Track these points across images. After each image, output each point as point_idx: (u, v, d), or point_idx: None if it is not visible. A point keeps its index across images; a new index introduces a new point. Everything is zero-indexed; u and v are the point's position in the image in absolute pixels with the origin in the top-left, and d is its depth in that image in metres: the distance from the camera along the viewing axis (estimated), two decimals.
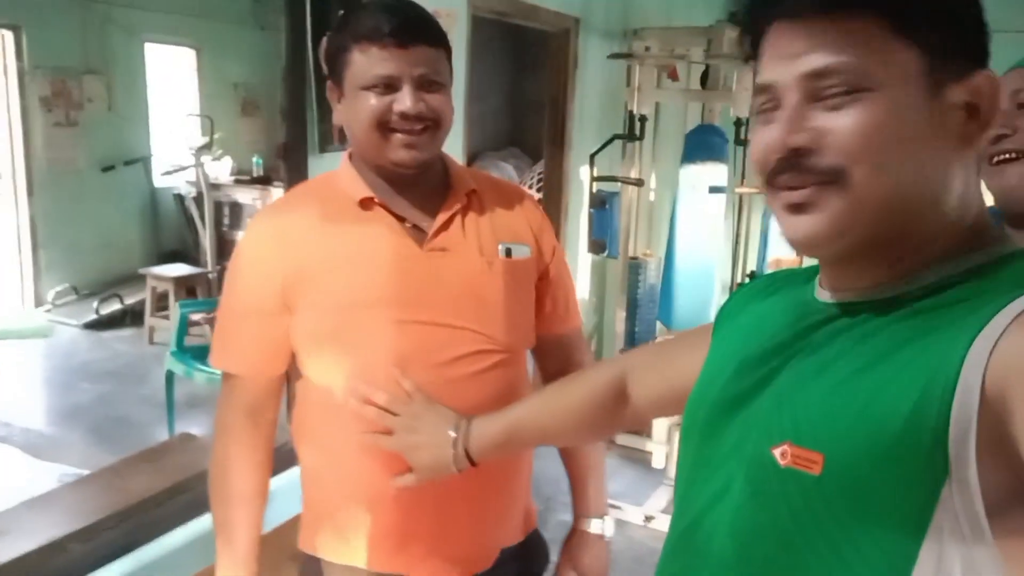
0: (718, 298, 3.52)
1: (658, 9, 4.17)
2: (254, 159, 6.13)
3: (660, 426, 3.60)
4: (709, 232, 3.40)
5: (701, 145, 3.39)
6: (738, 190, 3.35)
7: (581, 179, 3.99)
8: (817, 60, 0.66)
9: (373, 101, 1.18)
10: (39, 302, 5.48)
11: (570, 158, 3.99)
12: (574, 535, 1.46)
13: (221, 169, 6.18)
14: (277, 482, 2.05)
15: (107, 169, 5.80)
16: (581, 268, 4.32)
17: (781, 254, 3.25)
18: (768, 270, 3.35)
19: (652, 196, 4.28)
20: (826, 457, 0.65)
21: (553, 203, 4.08)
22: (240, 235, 4.75)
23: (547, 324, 1.41)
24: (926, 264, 0.69)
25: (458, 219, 1.28)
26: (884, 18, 0.65)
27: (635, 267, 4.04)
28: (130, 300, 5.43)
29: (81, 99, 5.56)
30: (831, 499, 0.64)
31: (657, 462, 3.68)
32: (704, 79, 3.69)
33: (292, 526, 1.96)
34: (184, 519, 1.94)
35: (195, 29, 6.24)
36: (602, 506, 1.48)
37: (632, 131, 3.61)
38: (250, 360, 1.30)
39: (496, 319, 1.28)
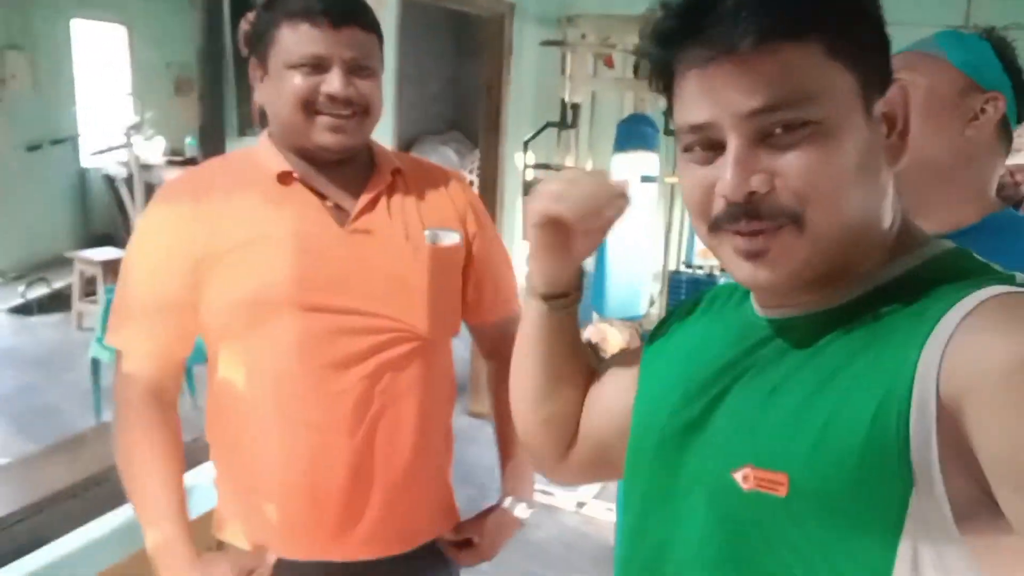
0: (649, 286, 3.58)
1: None
2: (187, 139, 6.00)
3: None
4: (640, 221, 3.45)
5: (633, 134, 3.43)
6: (668, 179, 3.39)
7: (517, 166, 3.99)
8: (761, 96, 0.63)
9: (299, 80, 1.16)
10: None
11: (506, 145, 3.99)
12: (494, 511, 1.47)
13: (153, 150, 6.04)
14: (195, 475, 2.04)
15: (33, 149, 5.62)
16: (518, 256, 4.34)
17: None
18: (697, 259, 3.42)
19: None
20: (791, 477, 0.64)
21: (489, 189, 4.08)
22: None
23: (476, 312, 1.40)
24: (860, 273, 0.69)
25: (383, 200, 1.26)
26: (821, 43, 0.63)
27: None
28: (58, 284, 5.29)
29: (3, 75, 5.37)
30: (801, 519, 0.64)
31: None
32: (637, 68, 3.72)
33: (208, 518, 1.95)
34: (102, 511, 1.91)
35: (125, 6, 6.06)
36: (529, 489, 1.48)
37: (565, 119, 3.64)
38: (153, 343, 1.25)
39: (417, 308, 1.27)
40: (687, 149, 0.69)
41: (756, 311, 0.77)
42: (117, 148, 5.62)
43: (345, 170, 1.26)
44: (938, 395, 0.57)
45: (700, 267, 3.62)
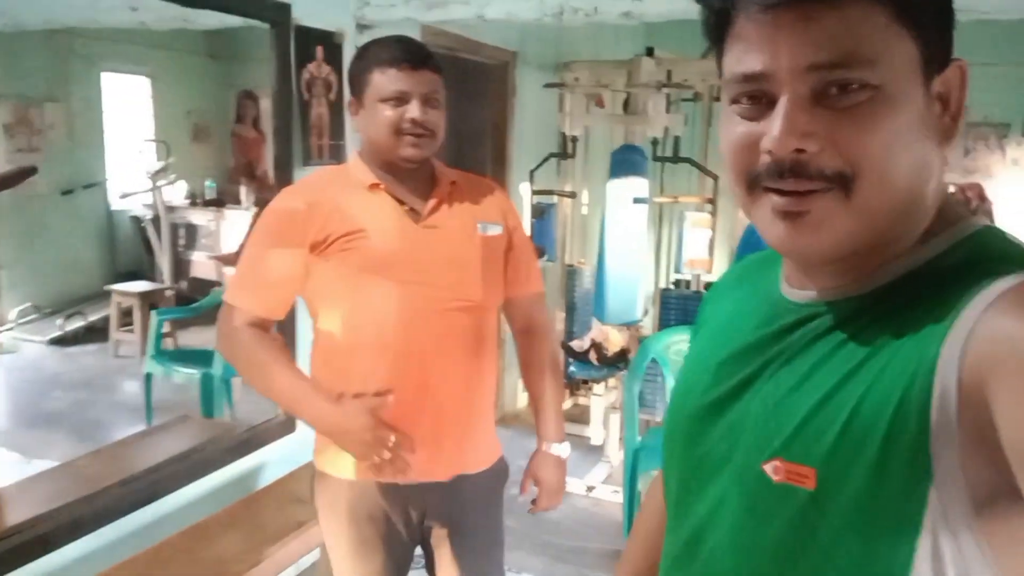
0: (643, 297, 4.00)
1: (586, 45, 4.69)
2: (207, 182, 6.43)
3: (597, 409, 4.05)
4: (634, 238, 3.87)
5: (624, 162, 3.86)
6: (656, 200, 3.84)
7: (521, 194, 4.45)
8: (824, 50, 0.60)
9: (389, 112, 1.58)
10: (0, 322, 5.67)
11: (512, 176, 4.45)
12: (536, 455, 1.85)
13: (176, 192, 6.45)
14: (278, 445, 2.45)
15: (66, 193, 6.02)
16: None
17: (695, 255, 3.74)
18: (685, 270, 3.84)
19: (585, 210, 4.77)
20: (818, 472, 0.63)
21: None
22: (195, 255, 5.18)
23: (512, 286, 1.80)
24: (893, 256, 0.67)
25: (445, 204, 1.68)
26: (888, 7, 0.60)
27: (572, 273, 4.52)
28: (92, 317, 5.66)
29: (42, 126, 5.81)
30: (827, 512, 0.63)
31: (595, 441, 4.12)
32: (626, 105, 4.20)
33: (292, 477, 2.39)
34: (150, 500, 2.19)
35: (150, 58, 6.52)
36: (560, 433, 1.85)
37: (565, 150, 4.09)
38: (267, 305, 1.64)
39: (472, 282, 1.68)
40: (735, 101, 0.66)
41: (784, 292, 0.75)
42: (143, 191, 6.06)
43: (416, 182, 1.68)
44: (959, 384, 0.56)
45: (687, 283, 4.02)
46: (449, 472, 1.71)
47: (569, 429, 4.44)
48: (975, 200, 5.42)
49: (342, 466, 1.69)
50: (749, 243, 1.55)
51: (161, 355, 3.95)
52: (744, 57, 0.64)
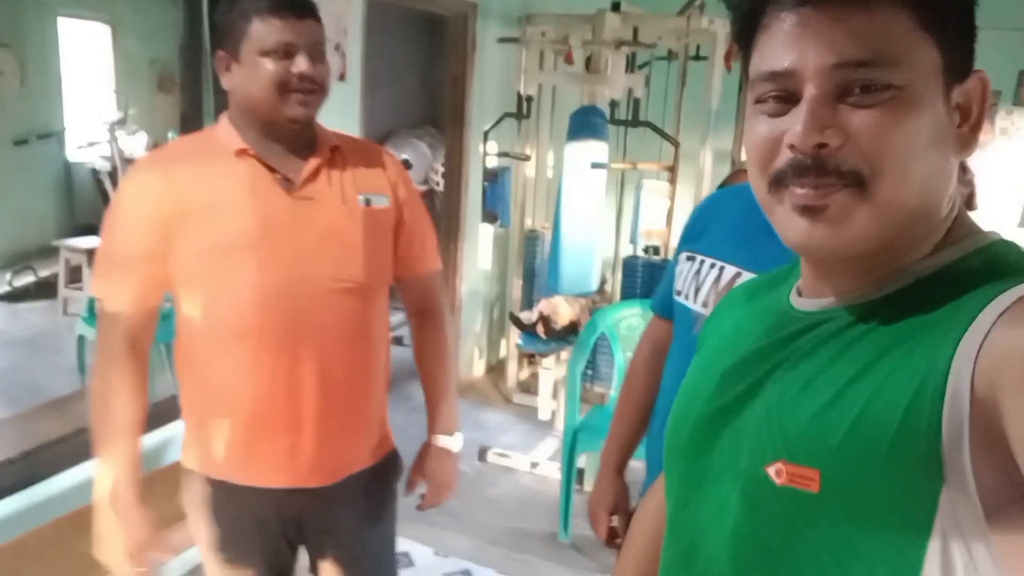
0: (599, 265, 3.83)
1: None
2: (169, 134, 6.22)
3: (546, 382, 3.90)
4: (591, 205, 3.69)
5: (584, 124, 3.66)
6: (615, 166, 3.65)
7: (481, 155, 4.25)
8: (848, 50, 0.62)
9: (272, 67, 1.37)
10: None
11: (470, 135, 4.24)
12: (425, 447, 1.70)
13: (136, 144, 6.24)
14: (171, 428, 2.28)
15: (20, 143, 5.82)
16: (483, 240, 4.59)
17: (651, 225, 3.56)
18: (640, 240, 3.66)
19: (550, 172, 4.57)
20: (822, 473, 0.63)
21: (454, 177, 4.33)
22: None
23: (405, 265, 1.62)
24: (906, 264, 0.67)
25: (324, 172, 1.49)
26: (913, 10, 0.62)
27: (532, 239, 4.34)
28: (44, 272, 5.50)
29: None
30: (832, 515, 0.63)
31: (543, 415, 3.98)
32: (588, 62, 3.98)
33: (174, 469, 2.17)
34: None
35: (110, 5, 6.27)
36: (451, 424, 1.70)
37: (521, 110, 3.88)
38: (131, 294, 1.46)
39: (353, 260, 1.49)
40: (760, 100, 0.68)
41: (793, 301, 0.76)
42: (101, 143, 5.85)
43: (291, 145, 1.47)
44: (972, 390, 0.56)
45: (655, 250, 3.85)
46: (327, 477, 1.55)
47: (522, 400, 4.36)
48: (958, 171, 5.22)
49: (210, 464, 1.54)
50: (705, 214, 1.40)
51: (94, 317, 3.77)
52: (771, 56, 0.66)
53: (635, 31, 3.77)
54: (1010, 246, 0.68)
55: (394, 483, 1.71)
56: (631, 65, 3.77)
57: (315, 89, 1.41)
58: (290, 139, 1.47)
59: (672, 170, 3.58)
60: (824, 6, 0.62)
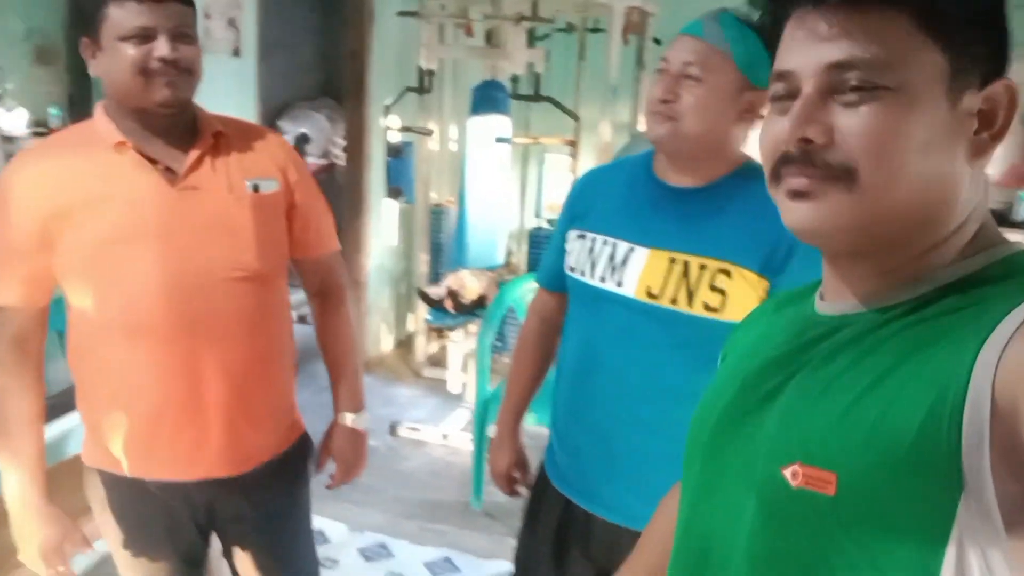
0: (505, 238, 3.88)
1: None
2: (51, 110, 5.90)
3: (455, 355, 3.94)
4: (495, 179, 3.73)
5: (486, 99, 3.69)
6: (518, 140, 3.69)
7: (382, 128, 4.21)
8: (840, 51, 0.64)
9: (132, 52, 1.33)
10: None
11: (370, 110, 4.20)
12: (332, 427, 1.72)
13: (16, 122, 5.90)
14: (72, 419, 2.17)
15: None
16: (387, 216, 4.56)
17: (556, 198, 3.63)
18: (545, 213, 3.73)
19: (453, 146, 4.57)
20: (839, 476, 0.63)
21: (355, 152, 4.28)
22: None
23: (301, 248, 1.61)
24: (927, 271, 0.68)
25: (208, 160, 1.45)
26: (911, 13, 0.64)
27: (438, 213, 4.35)
28: None
29: None
30: (848, 519, 0.63)
31: (453, 388, 4.03)
32: (489, 36, 3.99)
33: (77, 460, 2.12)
34: None
35: None
36: (356, 403, 1.72)
37: (423, 84, 3.86)
38: (15, 292, 1.43)
39: (244, 247, 1.46)
40: (774, 99, 0.71)
41: (816, 307, 0.77)
42: None
43: (172, 134, 1.43)
44: (993, 399, 0.56)
45: (551, 221, 3.93)
46: (236, 467, 1.54)
47: (432, 373, 4.40)
48: None
49: (113, 461, 1.51)
50: (586, 191, 1.45)
51: None
52: (779, 57, 0.71)
53: (534, 5, 3.80)
54: None
55: (306, 467, 1.72)
56: (531, 40, 3.80)
57: (180, 72, 1.37)
58: (168, 127, 1.43)
59: (574, 144, 3.64)
60: (824, 9, 0.66)
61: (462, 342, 3.87)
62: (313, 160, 5.85)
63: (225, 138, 1.49)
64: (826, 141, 0.65)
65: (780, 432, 0.70)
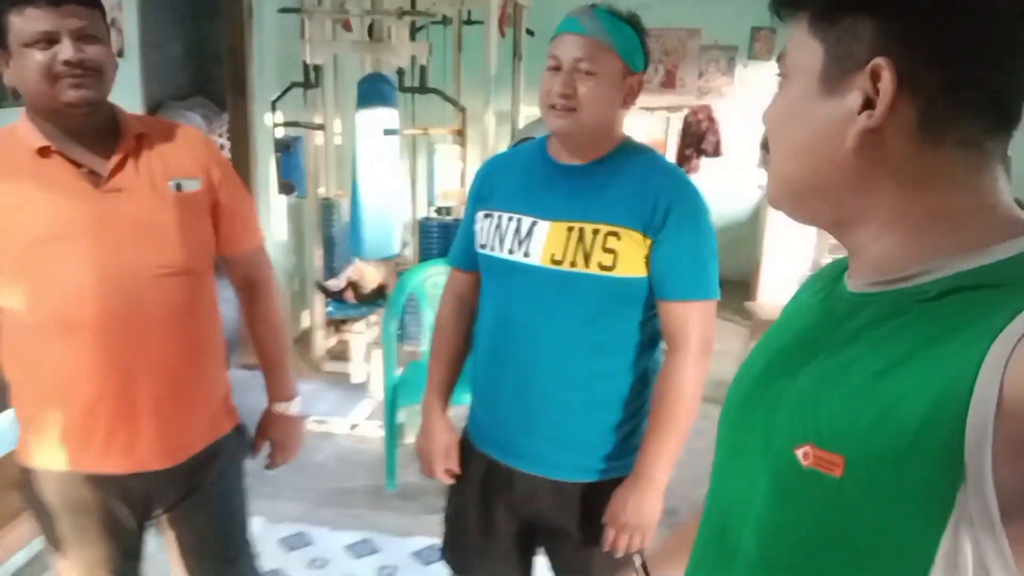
0: (400, 228, 3.96)
1: None
2: None
3: (358, 346, 4.01)
4: (386, 170, 3.80)
5: (372, 92, 3.74)
6: (407, 132, 3.78)
7: (268, 125, 4.20)
8: (786, 48, 0.74)
9: (38, 57, 1.35)
10: None
11: (254, 106, 4.18)
12: (267, 415, 1.80)
13: None
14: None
15: None
16: (276, 212, 4.56)
17: (447, 187, 3.74)
18: (437, 200, 3.83)
19: (338, 139, 4.60)
20: (847, 459, 0.64)
21: (241, 150, 4.25)
22: None
23: (227, 243, 1.66)
24: (945, 253, 0.67)
25: (131, 161, 1.49)
26: (807, 16, 0.71)
27: (328, 207, 4.37)
28: None
29: None
30: (852, 501, 0.64)
31: (357, 378, 4.09)
32: (371, 32, 4.05)
33: (7, 461, 2.14)
34: None
35: None
36: (288, 391, 1.81)
37: (309, 79, 3.89)
38: None
39: (170, 245, 1.52)
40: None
41: (846, 283, 0.77)
42: None
43: (94, 137, 1.46)
44: (1001, 395, 0.57)
45: (447, 211, 4.02)
46: (171, 459, 1.60)
47: (333, 367, 4.44)
48: (705, 122, 5.84)
49: (48, 458, 1.54)
50: (489, 176, 1.61)
51: None
52: None
53: (413, 1, 3.89)
54: None
55: (241, 457, 1.78)
56: (413, 33, 3.89)
57: (88, 73, 1.39)
58: (88, 130, 1.45)
59: (461, 134, 3.77)
60: (789, 16, 0.73)
61: (364, 332, 3.94)
62: None
63: (148, 139, 1.54)
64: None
65: (796, 411, 0.71)
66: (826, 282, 0.83)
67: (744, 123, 5.97)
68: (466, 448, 1.75)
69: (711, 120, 5.85)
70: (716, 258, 1.56)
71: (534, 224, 1.56)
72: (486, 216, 1.64)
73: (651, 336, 1.60)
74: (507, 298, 1.61)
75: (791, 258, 5.27)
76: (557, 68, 1.50)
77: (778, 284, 5.18)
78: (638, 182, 1.53)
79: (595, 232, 1.50)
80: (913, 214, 0.69)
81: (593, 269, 1.50)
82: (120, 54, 3.05)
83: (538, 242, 1.55)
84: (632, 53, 1.51)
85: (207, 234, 1.62)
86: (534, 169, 1.63)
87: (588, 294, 1.52)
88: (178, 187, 1.54)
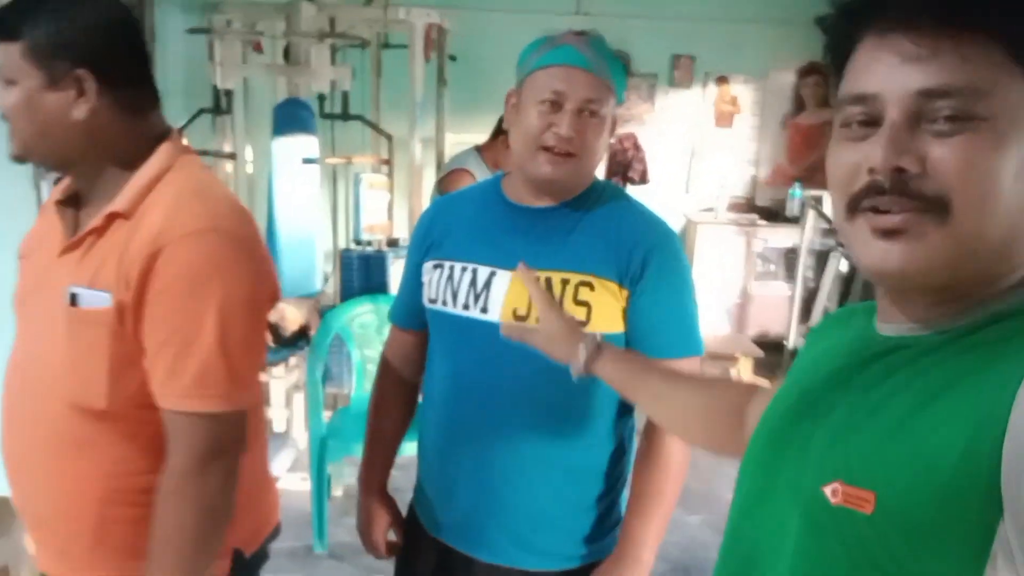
0: (321, 264, 3.71)
1: None
2: None
3: (277, 392, 3.72)
4: (306, 202, 3.56)
5: (290, 118, 3.50)
6: (329, 161, 3.54)
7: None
8: (933, 77, 0.62)
9: None
10: None
11: None
12: None
13: None
14: None
15: None
16: None
17: (373, 220, 3.52)
18: (364, 235, 3.60)
19: (250, 168, 4.32)
20: (878, 496, 0.63)
21: None
22: None
23: (154, 392, 1.17)
24: (989, 296, 0.67)
25: (91, 243, 1.17)
26: (1004, 42, 0.62)
27: None
28: None
29: None
30: (885, 538, 0.63)
31: (278, 427, 3.80)
32: (287, 55, 3.81)
33: None
34: None
35: None
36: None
37: (219, 105, 3.62)
38: None
39: (57, 367, 1.17)
40: (845, 124, 0.68)
41: (876, 327, 0.76)
42: None
43: (92, 204, 1.22)
44: None
45: (368, 243, 3.79)
46: None
47: None
48: (631, 150, 5.80)
49: None
50: (437, 221, 1.38)
51: None
52: (858, 79, 0.67)
53: (332, 21, 3.68)
54: None
55: None
56: (333, 57, 3.68)
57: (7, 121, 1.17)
58: (84, 190, 1.24)
59: (388, 163, 3.56)
60: (914, 33, 0.63)
61: (284, 377, 3.66)
62: None
63: (119, 222, 1.17)
64: (919, 170, 0.63)
65: (826, 450, 0.70)
66: (853, 325, 0.81)
67: (666, 150, 5.98)
68: (413, 532, 1.54)
69: (637, 148, 5.82)
70: (698, 310, 1.41)
71: (492, 275, 1.37)
72: (435, 267, 1.44)
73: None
74: (462, 361, 1.41)
75: (720, 285, 5.25)
76: (557, 104, 1.30)
77: (709, 312, 5.14)
78: (612, 226, 1.36)
79: (565, 282, 1.33)
80: (1017, 259, 0.66)
81: None
82: None
83: (498, 295, 1.36)
84: (622, 91, 1.37)
85: (114, 367, 1.16)
86: (490, 212, 1.44)
87: None
88: (73, 299, 1.15)
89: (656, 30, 5.75)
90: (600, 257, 1.34)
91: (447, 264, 1.42)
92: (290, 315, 3.35)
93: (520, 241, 1.37)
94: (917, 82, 0.63)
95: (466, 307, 1.38)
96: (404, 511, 1.61)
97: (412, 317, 1.52)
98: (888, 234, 0.65)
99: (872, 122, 0.66)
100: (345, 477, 3.43)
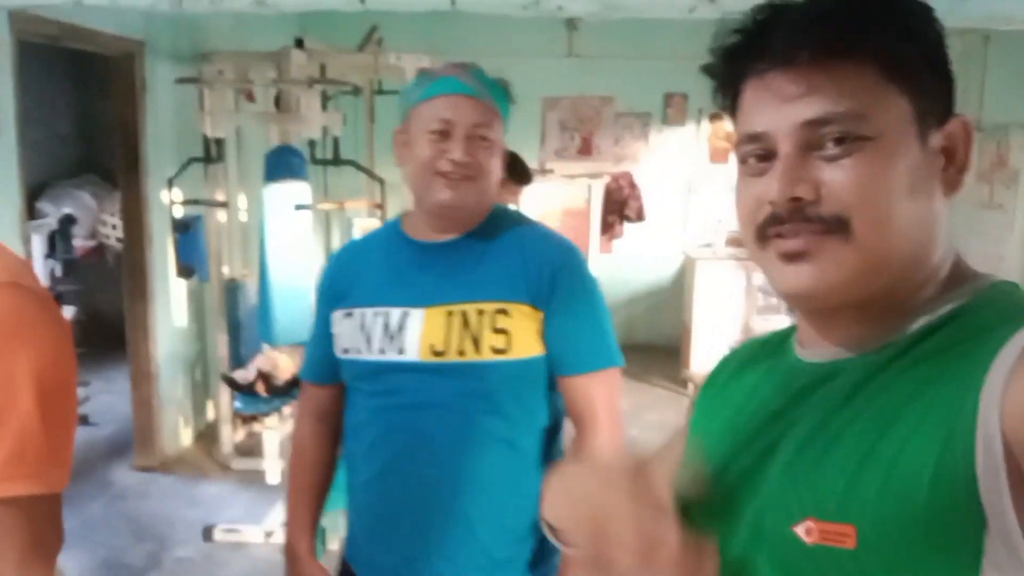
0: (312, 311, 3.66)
1: (229, 34, 4.20)
2: None
3: (271, 443, 3.65)
4: (299, 248, 3.53)
5: (281, 165, 3.49)
6: (321, 206, 3.52)
7: (165, 204, 3.87)
8: (815, 108, 0.65)
9: None
10: None
11: (148, 183, 3.85)
12: None
13: None
14: None
15: None
16: (175, 296, 4.19)
17: None
18: None
19: (244, 216, 4.30)
20: (858, 529, 0.61)
21: (135, 230, 3.91)
22: None
23: None
24: (911, 312, 0.68)
25: None
26: (876, 65, 0.65)
27: (233, 289, 4.04)
28: None
29: None
30: (872, 571, 0.61)
31: (272, 479, 3.71)
32: (278, 102, 3.81)
33: None
34: None
35: None
36: None
37: (209, 154, 3.61)
38: None
39: None
40: (743, 161, 0.71)
41: (799, 355, 0.75)
42: None
43: None
44: (1003, 433, 0.56)
45: None
46: None
47: (243, 465, 4.04)
48: (627, 188, 5.79)
49: None
50: (342, 272, 1.38)
51: None
52: (748, 119, 0.70)
53: (322, 68, 3.68)
54: (1012, 286, 0.69)
55: None
56: (324, 103, 3.67)
57: None
58: None
59: (380, 207, 3.53)
60: (792, 72, 0.66)
61: (278, 427, 3.58)
62: (81, 243, 5.30)
63: None
64: (815, 196, 0.65)
65: (786, 489, 0.68)
66: (766, 357, 0.81)
67: (661, 187, 5.98)
68: None
69: (632, 186, 5.82)
70: (611, 321, 1.41)
71: (406, 315, 1.35)
72: (346, 316, 1.40)
73: (555, 421, 1.42)
74: (385, 405, 1.37)
75: (721, 321, 5.19)
76: (446, 133, 1.31)
77: (711, 348, 5.07)
78: (516, 250, 1.37)
79: (480, 313, 1.32)
80: (930, 269, 0.68)
81: (485, 355, 1.31)
82: None
83: (413, 334, 1.34)
84: (507, 114, 1.39)
85: None
86: (394, 253, 1.42)
87: (481, 385, 1.33)
88: None
89: (648, 69, 5.78)
90: (511, 283, 1.34)
91: (357, 312, 1.39)
92: (282, 364, 3.29)
93: (429, 277, 1.37)
94: (801, 115, 0.65)
95: (382, 351, 1.36)
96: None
97: (325, 371, 1.48)
98: (794, 257, 0.67)
99: (768, 156, 0.68)
100: (340, 529, 3.34)
